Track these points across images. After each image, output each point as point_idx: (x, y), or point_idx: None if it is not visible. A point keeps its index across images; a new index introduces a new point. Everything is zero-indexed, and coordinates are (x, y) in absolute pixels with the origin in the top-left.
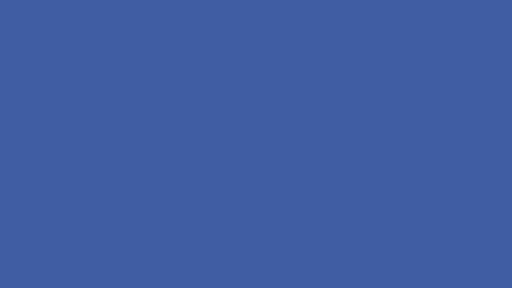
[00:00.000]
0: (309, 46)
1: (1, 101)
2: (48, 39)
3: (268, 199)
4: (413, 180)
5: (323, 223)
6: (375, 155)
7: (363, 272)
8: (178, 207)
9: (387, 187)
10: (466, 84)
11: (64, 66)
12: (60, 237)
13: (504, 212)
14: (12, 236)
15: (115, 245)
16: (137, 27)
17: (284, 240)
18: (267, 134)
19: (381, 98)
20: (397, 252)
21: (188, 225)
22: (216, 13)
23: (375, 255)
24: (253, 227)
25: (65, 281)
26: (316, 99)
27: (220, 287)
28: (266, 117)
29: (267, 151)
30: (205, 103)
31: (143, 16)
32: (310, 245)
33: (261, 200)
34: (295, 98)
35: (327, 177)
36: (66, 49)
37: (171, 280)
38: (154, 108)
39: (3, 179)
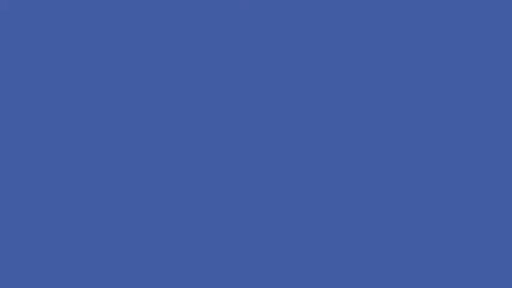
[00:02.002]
0: (309, 46)
1: (1, 101)
2: (48, 39)
3: (268, 199)
4: (413, 180)
5: (323, 223)
6: (374, 155)
7: (363, 272)
8: (178, 207)
9: (387, 187)
10: (466, 84)
11: (64, 66)
12: (60, 237)
13: (504, 212)
14: (12, 236)
15: (115, 245)
16: (137, 27)
17: (284, 240)
18: (267, 133)
19: (380, 98)
20: (397, 252)
21: (188, 225)
22: (216, 13)
23: (375, 255)
24: (253, 227)
25: (65, 281)
26: (316, 99)
27: (220, 287)
28: (266, 117)
29: (266, 151)
30: (205, 103)
31: (143, 16)
32: (310, 245)
33: (261, 200)
34: (295, 98)
35: (327, 177)
36: (66, 49)
37: (171, 280)
38: (153, 108)
39: (3, 179)
